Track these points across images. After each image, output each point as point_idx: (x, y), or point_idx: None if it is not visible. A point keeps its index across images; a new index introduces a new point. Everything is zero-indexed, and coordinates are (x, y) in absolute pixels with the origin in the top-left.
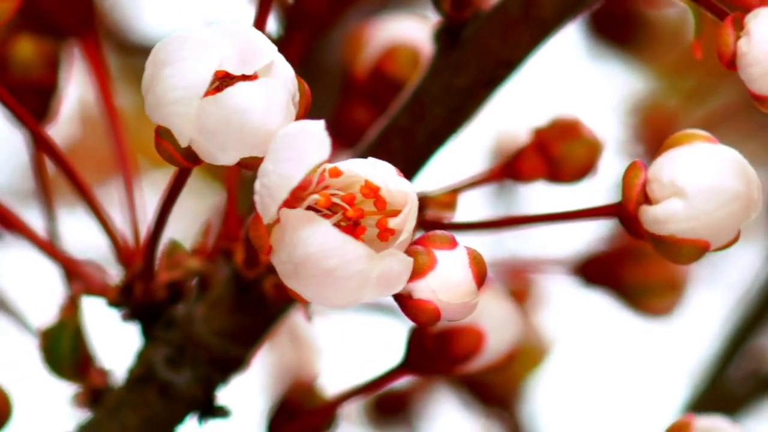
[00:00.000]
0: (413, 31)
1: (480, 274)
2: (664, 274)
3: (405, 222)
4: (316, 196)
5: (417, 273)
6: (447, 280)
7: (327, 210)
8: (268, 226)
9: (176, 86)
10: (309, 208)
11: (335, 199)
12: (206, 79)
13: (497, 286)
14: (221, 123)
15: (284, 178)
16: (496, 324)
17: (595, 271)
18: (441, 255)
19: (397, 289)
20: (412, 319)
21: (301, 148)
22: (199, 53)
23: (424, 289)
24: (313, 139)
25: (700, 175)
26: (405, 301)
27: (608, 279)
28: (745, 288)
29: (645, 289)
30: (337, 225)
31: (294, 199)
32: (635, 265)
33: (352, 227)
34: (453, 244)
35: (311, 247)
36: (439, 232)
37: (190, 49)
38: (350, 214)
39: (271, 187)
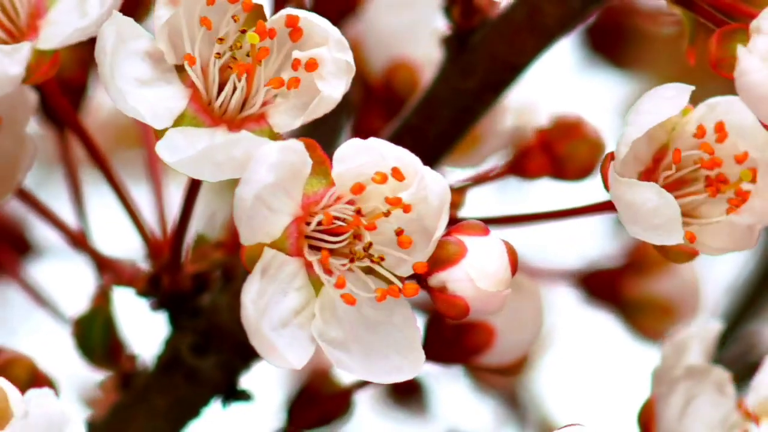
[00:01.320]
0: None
1: (514, 263)
2: (661, 298)
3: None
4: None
5: (450, 261)
6: (483, 266)
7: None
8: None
9: None
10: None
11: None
12: None
13: (531, 284)
14: None
15: None
16: (518, 324)
17: (596, 285)
18: (477, 240)
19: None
20: (443, 312)
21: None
22: None
23: (460, 276)
24: None
25: None
26: (437, 295)
27: (608, 294)
28: (734, 276)
29: (641, 308)
30: None
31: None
32: (635, 283)
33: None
34: (486, 231)
35: None
36: (471, 220)
37: None
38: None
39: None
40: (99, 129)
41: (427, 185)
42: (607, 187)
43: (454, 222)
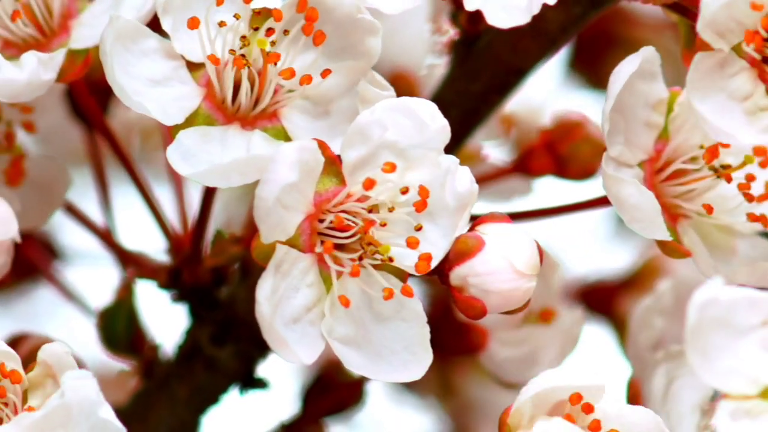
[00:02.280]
0: None
1: (540, 252)
2: None
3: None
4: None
5: (468, 253)
6: (509, 248)
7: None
8: None
9: None
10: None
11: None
12: None
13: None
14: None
15: None
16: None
17: (594, 299)
18: (502, 227)
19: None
20: (462, 312)
21: None
22: None
23: (478, 268)
24: None
25: None
26: (456, 295)
27: (604, 308)
28: None
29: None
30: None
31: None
32: (629, 299)
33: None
34: (508, 219)
35: None
36: (494, 212)
37: None
38: None
39: None
40: (124, 130)
41: (455, 183)
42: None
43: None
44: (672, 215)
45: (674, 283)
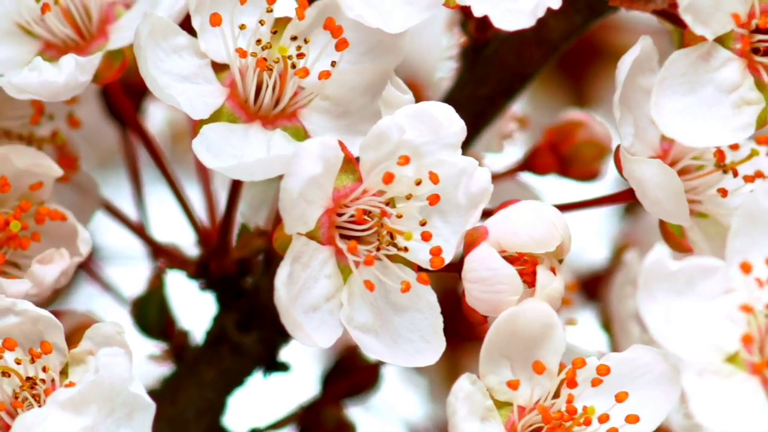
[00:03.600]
0: None
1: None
2: None
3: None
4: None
5: (473, 244)
6: (513, 228)
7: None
8: None
9: None
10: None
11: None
12: None
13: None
14: None
15: None
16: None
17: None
18: (513, 206)
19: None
20: (469, 319)
21: None
22: None
23: (477, 257)
24: None
25: None
26: (463, 299)
27: (593, 295)
28: None
29: None
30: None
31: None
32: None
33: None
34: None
35: None
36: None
37: None
38: None
39: None
40: (157, 130)
41: (470, 183)
42: (620, 169)
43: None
44: None
45: (638, 252)
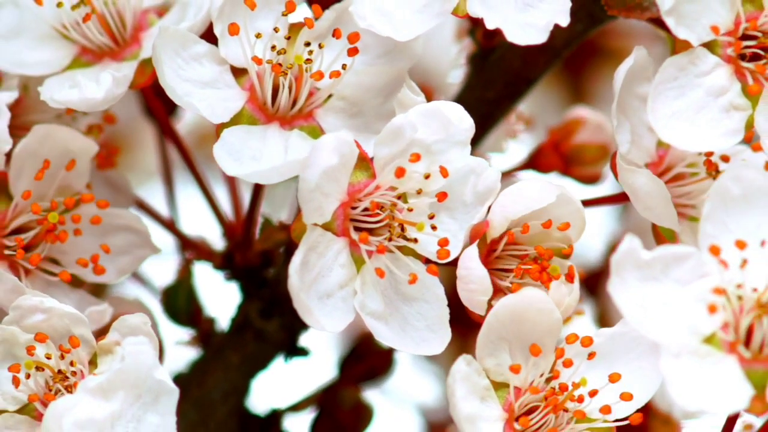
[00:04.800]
0: None
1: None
2: None
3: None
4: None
5: (473, 237)
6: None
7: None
8: None
9: None
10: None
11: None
12: None
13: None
14: None
15: None
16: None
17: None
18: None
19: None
20: (470, 316)
21: None
22: None
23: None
24: None
25: None
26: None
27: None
28: None
29: None
30: None
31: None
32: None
33: None
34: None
35: None
36: None
37: None
38: None
39: None
40: (187, 132)
41: (478, 181)
42: (616, 175)
43: None
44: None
45: None
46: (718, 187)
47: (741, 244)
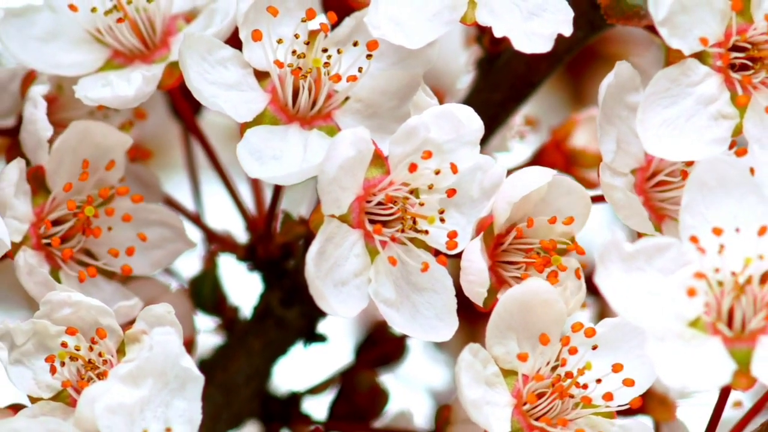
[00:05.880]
0: None
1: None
2: None
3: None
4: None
5: (478, 230)
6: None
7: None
8: None
9: None
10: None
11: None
12: None
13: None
14: None
15: None
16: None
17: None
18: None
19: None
20: (476, 308)
21: None
22: None
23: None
24: None
25: None
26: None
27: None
28: None
29: None
30: None
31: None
32: None
33: None
34: None
35: None
36: None
37: None
38: None
39: None
40: (211, 131)
41: (484, 178)
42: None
43: None
44: (659, 215)
45: None
46: (695, 178)
47: (718, 231)
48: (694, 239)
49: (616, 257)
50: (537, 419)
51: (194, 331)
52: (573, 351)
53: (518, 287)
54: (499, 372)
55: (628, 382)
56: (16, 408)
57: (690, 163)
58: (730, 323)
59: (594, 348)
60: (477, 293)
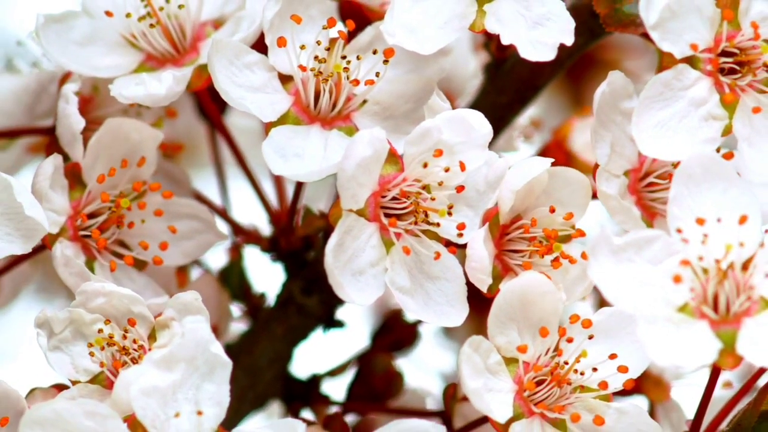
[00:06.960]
0: None
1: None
2: None
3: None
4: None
5: (484, 221)
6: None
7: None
8: None
9: None
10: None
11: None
12: None
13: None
14: None
15: None
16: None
17: None
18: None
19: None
20: (482, 294)
21: None
22: None
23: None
24: None
25: None
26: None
27: None
28: None
29: None
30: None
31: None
32: None
33: None
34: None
35: None
36: None
37: None
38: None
39: None
40: (236, 132)
41: (489, 172)
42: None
43: None
44: (650, 213)
45: None
46: (682, 171)
47: (701, 221)
48: (680, 229)
49: (607, 250)
50: (536, 404)
51: (227, 316)
52: (570, 340)
53: (516, 280)
54: (502, 360)
55: (623, 369)
56: (60, 388)
57: (677, 165)
58: (715, 307)
59: (590, 338)
60: (480, 279)
